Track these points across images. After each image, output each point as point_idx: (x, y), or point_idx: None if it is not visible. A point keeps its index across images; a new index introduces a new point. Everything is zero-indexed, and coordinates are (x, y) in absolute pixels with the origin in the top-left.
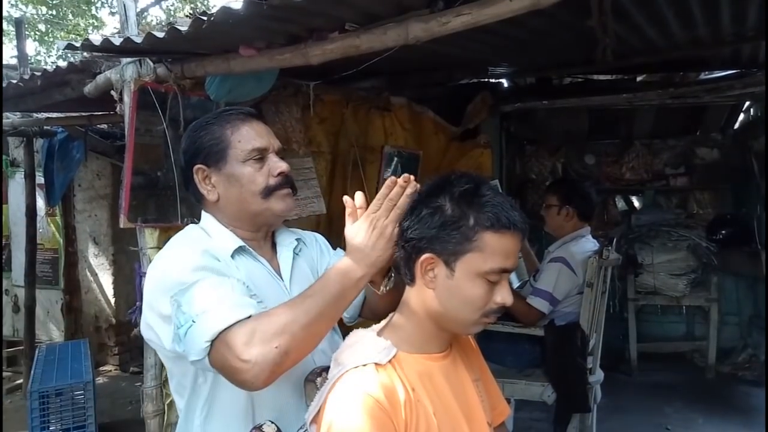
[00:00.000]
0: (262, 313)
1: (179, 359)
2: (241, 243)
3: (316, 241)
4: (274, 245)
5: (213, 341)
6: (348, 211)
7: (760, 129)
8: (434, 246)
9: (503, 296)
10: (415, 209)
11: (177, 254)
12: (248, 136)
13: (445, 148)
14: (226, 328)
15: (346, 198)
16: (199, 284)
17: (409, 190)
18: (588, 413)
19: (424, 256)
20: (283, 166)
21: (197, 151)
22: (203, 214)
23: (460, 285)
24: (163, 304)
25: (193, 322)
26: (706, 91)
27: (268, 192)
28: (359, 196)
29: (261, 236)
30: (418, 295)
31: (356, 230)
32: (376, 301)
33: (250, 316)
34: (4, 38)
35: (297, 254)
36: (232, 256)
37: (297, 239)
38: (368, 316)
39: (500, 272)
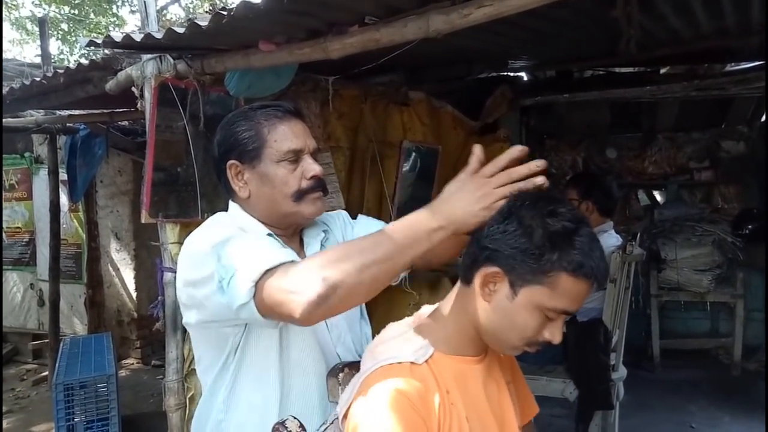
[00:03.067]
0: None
1: (217, 339)
2: (268, 231)
3: (339, 218)
4: (301, 239)
5: (257, 281)
6: (473, 164)
7: None
8: (506, 263)
9: (553, 333)
10: (506, 218)
11: (210, 229)
12: (285, 135)
13: (465, 142)
14: (270, 269)
15: (475, 147)
16: (238, 239)
17: (538, 181)
18: (611, 410)
19: (493, 269)
20: (317, 169)
21: (232, 147)
22: (231, 204)
23: (517, 310)
24: (201, 268)
25: (236, 270)
26: (733, 83)
27: (299, 195)
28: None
29: (289, 233)
30: (470, 301)
31: (457, 184)
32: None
33: (293, 262)
34: (28, 38)
35: (324, 245)
36: None
37: (324, 231)
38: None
39: (561, 312)
